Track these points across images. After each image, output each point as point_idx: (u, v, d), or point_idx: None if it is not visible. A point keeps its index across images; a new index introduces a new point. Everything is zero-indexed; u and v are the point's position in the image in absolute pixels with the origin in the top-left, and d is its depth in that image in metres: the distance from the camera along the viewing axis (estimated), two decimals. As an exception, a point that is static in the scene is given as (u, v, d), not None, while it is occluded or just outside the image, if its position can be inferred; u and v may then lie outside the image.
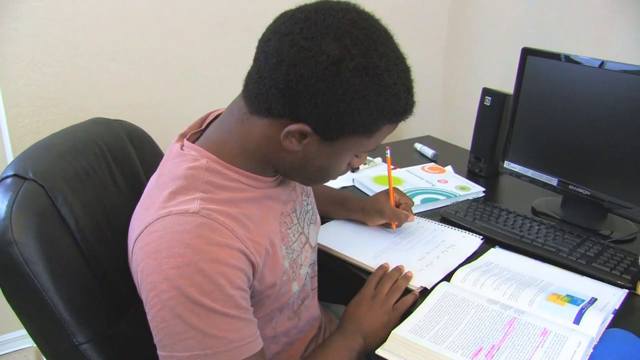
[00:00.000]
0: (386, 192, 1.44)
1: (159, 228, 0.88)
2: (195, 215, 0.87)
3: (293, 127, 0.88)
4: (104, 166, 1.16)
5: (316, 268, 1.25)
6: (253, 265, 0.93)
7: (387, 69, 0.86)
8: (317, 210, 1.27)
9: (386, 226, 1.46)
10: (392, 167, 1.85)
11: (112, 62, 1.77)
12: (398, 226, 1.45)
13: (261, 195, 1.01)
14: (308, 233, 1.16)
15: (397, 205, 1.43)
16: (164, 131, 1.39)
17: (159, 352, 0.88)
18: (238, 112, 0.96)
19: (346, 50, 0.84)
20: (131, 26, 1.77)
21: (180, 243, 0.85)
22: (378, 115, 0.89)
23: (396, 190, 1.45)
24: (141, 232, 0.89)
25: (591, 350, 1.02)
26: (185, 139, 1.00)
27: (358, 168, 1.88)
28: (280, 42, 0.86)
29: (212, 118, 1.05)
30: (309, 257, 1.16)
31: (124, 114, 1.40)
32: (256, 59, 0.91)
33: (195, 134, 1.03)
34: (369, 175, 1.79)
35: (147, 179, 1.03)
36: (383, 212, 1.41)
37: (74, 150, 1.12)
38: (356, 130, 0.90)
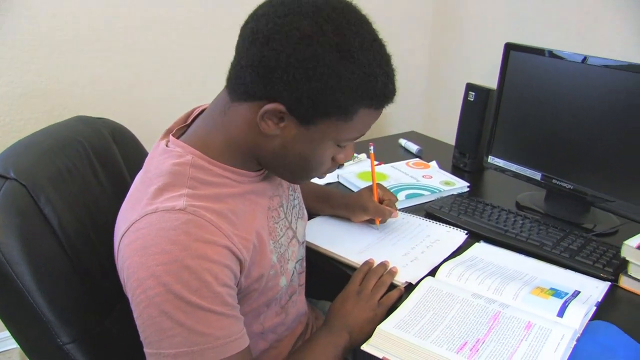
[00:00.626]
0: (370, 189, 1.44)
1: (145, 225, 0.87)
2: (181, 212, 0.87)
3: (268, 106, 0.88)
4: (87, 164, 1.15)
5: (304, 264, 1.25)
6: (240, 261, 0.93)
7: (361, 48, 0.86)
8: (304, 205, 1.27)
9: (370, 222, 1.46)
10: (376, 163, 1.86)
11: (95, 59, 1.76)
12: (382, 222, 1.45)
13: (247, 190, 1.00)
14: (296, 228, 1.16)
15: (381, 202, 1.43)
16: (147, 129, 1.38)
17: (146, 350, 0.88)
18: (221, 103, 0.96)
19: (318, 27, 0.84)
20: (114, 24, 1.76)
21: (167, 240, 0.85)
22: (352, 96, 0.88)
23: (380, 186, 1.45)
24: (127, 229, 0.89)
25: (574, 343, 1.03)
26: (170, 135, 1.00)
27: (343, 164, 1.88)
28: (257, 23, 0.88)
29: (197, 113, 1.05)
30: (297, 252, 1.16)
31: (107, 111, 1.39)
32: (236, 45, 0.92)
33: (181, 130, 1.03)
34: (354, 172, 1.79)
35: (131, 177, 1.03)
36: (367, 208, 1.41)
37: (56, 149, 1.11)
38: (331, 111, 0.89)
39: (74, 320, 1.00)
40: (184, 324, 0.85)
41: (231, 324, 0.90)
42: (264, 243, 1.01)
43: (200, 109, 1.06)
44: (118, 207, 0.99)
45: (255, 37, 0.87)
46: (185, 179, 0.92)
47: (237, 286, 0.95)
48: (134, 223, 0.89)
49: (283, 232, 1.10)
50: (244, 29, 0.90)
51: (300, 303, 1.23)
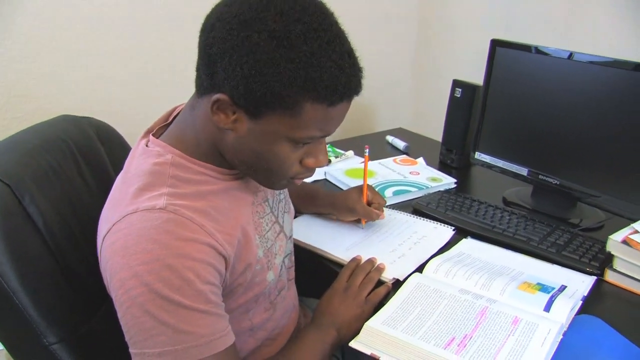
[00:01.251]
0: (359, 189, 1.43)
1: (126, 225, 0.87)
2: (162, 211, 0.87)
3: (214, 97, 0.87)
4: (72, 164, 1.15)
5: (293, 259, 1.24)
6: (225, 258, 0.93)
7: (303, 36, 0.83)
8: (290, 200, 1.26)
9: (357, 221, 1.46)
10: (363, 161, 1.86)
11: (80, 58, 1.75)
12: (368, 222, 1.46)
13: (229, 186, 1.00)
14: (282, 222, 1.16)
15: (370, 204, 1.43)
16: (133, 127, 1.37)
17: (130, 350, 0.87)
18: (192, 99, 0.97)
19: (257, 13, 0.83)
20: (99, 22, 1.74)
21: (148, 239, 0.85)
22: (291, 86, 0.84)
23: (369, 188, 1.45)
24: (109, 230, 0.89)
25: (561, 337, 1.04)
26: (150, 135, 1.00)
27: (330, 161, 1.88)
28: (210, 13, 0.89)
29: (177, 112, 1.05)
30: (284, 247, 1.15)
31: (92, 110, 1.38)
32: None
33: (161, 129, 1.02)
34: (341, 169, 1.79)
35: (116, 175, 1.02)
36: (354, 209, 1.41)
37: (41, 148, 1.10)
38: (272, 102, 0.85)
39: (60, 320, 1.00)
40: (167, 323, 0.84)
41: (215, 321, 0.90)
42: (249, 238, 1.01)
43: (181, 107, 1.06)
44: (103, 206, 0.98)
45: (204, 26, 0.88)
46: (166, 178, 0.92)
47: (222, 283, 0.94)
48: (115, 224, 0.88)
49: (269, 226, 1.09)
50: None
51: (289, 298, 1.22)
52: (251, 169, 0.98)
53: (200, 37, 0.89)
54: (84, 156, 1.18)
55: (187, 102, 1.00)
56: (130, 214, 0.87)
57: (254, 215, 1.05)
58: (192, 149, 0.96)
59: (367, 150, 1.47)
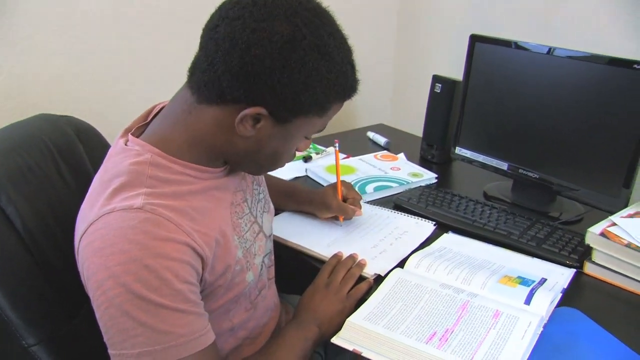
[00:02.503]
0: (334, 186, 1.44)
1: (102, 225, 0.86)
2: (139, 210, 0.86)
3: (249, 110, 0.89)
4: (51, 163, 1.13)
5: (273, 257, 1.24)
6: (202, 258, 0.92)
7: (335, 47, 0.90)
8: (269, 199, 1.26)
9: (335, 218, 1.46)
10: (345, 156, 1.86)
11: (58, 56, 1.73)
12: (346, 219, 1.45)
13: (208, 186, 1.00)
14: (262, 222, 1.16)
15: (345, 200, 1.43)
16: (113, 126, 1.36)
17: (109, 351, 0.87)
18: (184, 102, 0.95)
19: (298, 29, 0.86)
20: (76, 19, 1.73)
21: (125, 239, 0.84)
22: (330, 93, 0.92)
23: (345, 184, 1.46)
24: (85, 231, 0.88)
25: (541, 329, 1.04)
26: (129, 134, 0.99)
27: (311, 157, 1.88)
28: (231, 27, 0.87)
29: (157, 111, 1.04)
30: (264, 246, 1.15)
31: (71, 109, 1.37)
32: (204, 47, 0.91)
33: (140, 128, 1.01)
34: (322, 165, 1.79)
35: (96, 174, 1.01)
36: (329, 206, 1.42)
37: (18, 148, 1.09)
38: (310, 110, 0.92)
39: (39, 322, 0.99)
40: (145, 324, 0.84)
41: (194, 320, 0.89)
42: (227, 239, 1.00)
43: (160, 106, 1.05)
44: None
45: (233, 43, 0.86)
46: (144, 178, 0.91)
47: (200, 282, 0.94)
48: (91, 224, 0.88)
49: (248, 227, 1.09)
50: (214, 32, 0.89)
51: (269, 297, 1.22)
52: (257, 165, 1.03)
53: (226, 51, 0.87)
54: (63, 155, 1.17)
55: (171, 103, 0.99)
56: (107, 213, 0.87)
57: (232, 215, 1.05)
58: (175, 149, 0.95)
59: (336, 145, 1.47)
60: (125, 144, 0.97)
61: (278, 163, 1.03)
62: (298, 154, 1.75)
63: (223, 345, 1.09)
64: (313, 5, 0.90)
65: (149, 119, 1.03)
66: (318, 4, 0.92)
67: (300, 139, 1.01)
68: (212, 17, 0.91)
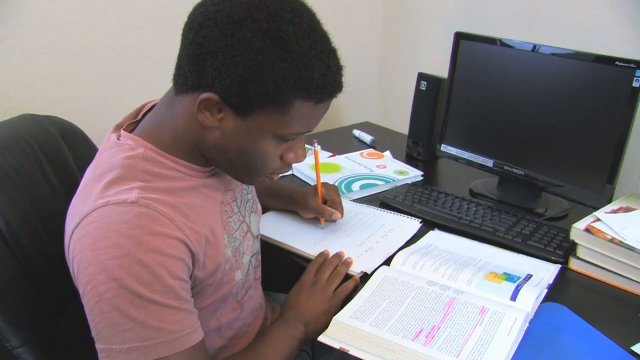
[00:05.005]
0: (316, 187, 1.43)
1: (96, 218, 0.86)
2: (133, 204, 0.86)
3: (203, 95, 0.87)
4: (35, 164, 1.12)
5: (260, 258, 1.24)
6: (193, 254, 0.92)
7: (295, 36, 0.85)
8: (257, 200, 1.26)
9: (317, 219, 1.45)
10: (330, 154, 1.85)
11: (41, 55, 1.71)
12: (326, 221, 1.44)
13: (200, 184, 1.00)
14: (250, 222, 1.16)
15: (325, 201, 1.42)
16: (97, 126, 1.35)
17: (97, 346, 0.86)
18: (168, 97, 0.96)
19: (249, 13, 0.84)
20: (60, 18, 1.71)
21: (118, 233, 0.84)
22: (284, 85, 0.85)
23: (327, 185, 1.45)
24: (78, 224, 0.87)
25: (527, 325, 1.05)
26: (121, 129, 0.98)
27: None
28: (194, 12, 0.88)
29: (147, 108, 1.04)
30: (252, 246, 1.15)
31: (54, 109, 1.36)
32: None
33: (131, 125, 1.01)
34: (308, 164, 1.79)
35: (82, 174, 1.00)
36: (308, 207, 1.41)
37: (1, 149, 1.08)
38: (264, 100, 0.87)
39: (23, 323, 0.98)
40: (136, 319, 0.83)
41: (184, 317, 0.89)
42: (217, 237, 1.00)
43: (151, 104, 1.05)
44: (68, 206, 0.96)
45: (190, 25, 0.87)
46: (137, 172, 0.91)
47: (191, 279, 0.94)
48: (84, 217, 0.87)
49: (237, 226, 1.09)
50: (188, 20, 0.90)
51: (255, 298, 1.22)
52: (233, 166, 0.98)
53: (186, 35, 0.88)
54: (47, 156, 1.16)
55: (160, 99, 0.99)
56: (101, 207, 0.86)
57: (222, 214, 1.04)
58: (165, 144, 0.95)
59: (315, 145, 1.47)
60: (118, 139, 0.96)
61: (254, 168, 0.98)
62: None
63: (210, 344, 1.09)
64: None
65: (140, 116, 1.02)
66: None
67: (270, 140, 0.93)
68: None
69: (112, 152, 0.95)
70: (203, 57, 0.85)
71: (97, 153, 0.99)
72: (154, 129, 0.96)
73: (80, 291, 0.87)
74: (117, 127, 1.00)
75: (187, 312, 0.90)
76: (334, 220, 1.43)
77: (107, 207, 0.86)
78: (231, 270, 1.04)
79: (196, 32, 0.86)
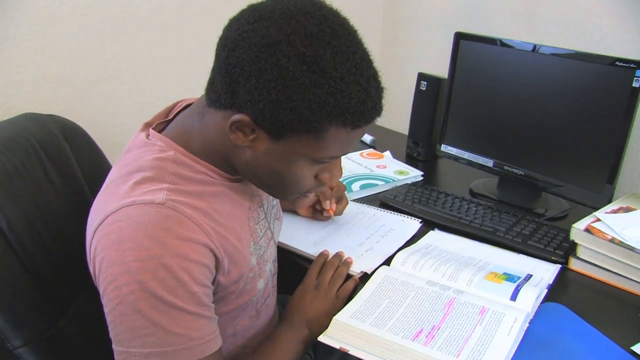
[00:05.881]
0: None
1: (121, 217, 0.84)
2: (161, 206, 0.84)
3: (235, 117, 0.85)
4: (37, 163, 1.12)
5: (277, 265, 1.22)
6: (217, 259, 0.90)
7: (333, 60, 0.81)
8: (280, 206, 1.25)
9: (318, 218, 1.45)
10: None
11: (41, 55, 1.71)
12: (336, 212, 1.42)
13: (228, 189, 0.98)
14: (274, 228, 1.15)
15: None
16: (98, 125, 1.35)
17: (115, 347, 0.85)
18: (200, 104, 0.94)
19: (285, 35, 0.80)
20: (59, 18, 1.71)
21: (145, 235, 0.82)
22: (319, 112, 0.82)
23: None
24: (102, 222, 0.86)
25: (527, 325, 1.05)
26: (151, 129, 0.97)
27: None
28: (229, 28, 0.86)
29: (179, 108, 1.02)
30: (273, 253, 1.14)
31: (54, 109, 1.36)
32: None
33: (161, 124, 1.00)
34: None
35: (84, 174, 1.00)
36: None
37: (3, 148, 1.08)
38: (297, 126, 0.84)
39: (25, 323, 0.98)
40: (158, 324, 0.82)
41: (205, 324, 0.88)
42: (244, 244, 0.99)
43: (184, 103, 1.03)
44: (71, 206, 0.96)
45: (224, 42, 0.85)
46: (167, 175, 0.89)
47: (213, 284, 0.92)
48: (109, 215, 0.85)
49: (263, 233, 1.07)
50: (225, 32, 0.88)
51: (271, 306, 1.20)
52: (264, 184, 0.97)
53: (220, 52, 0.86)
54: (49, 155, 1.16)
55: (194, 103, 0.98)
56: (127, 206, 0.85)
57: (249, 220, 1.03)
58: (196, 149, 0.93)
59: None
60: (147, 138, 0.95)
61: (288, 187, 0.96)
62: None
63: (223, 350, 1.08)
64: (319, 14, 0.84)
65: (170, 116, 1.01)
66: (328, 12, 0.86)
67: (304, 162, 0.91)
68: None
69: (141, 151, 0.93)
70: (236, 78, 0.83)
71: (125, 151, 0.97)
72: (185, 133, 0.95)
73: (101, 290, 0.85)
74: (147, 126, 0.98)
75: (208, 319, 0.89)
76: (342, 209, 1.42)
77: (133, 206, 0.84)
78: (254, 278, 1.03)
79: (230, 50, 0.83)
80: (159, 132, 0.97)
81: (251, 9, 0.86)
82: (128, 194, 0.86)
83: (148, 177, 0.88)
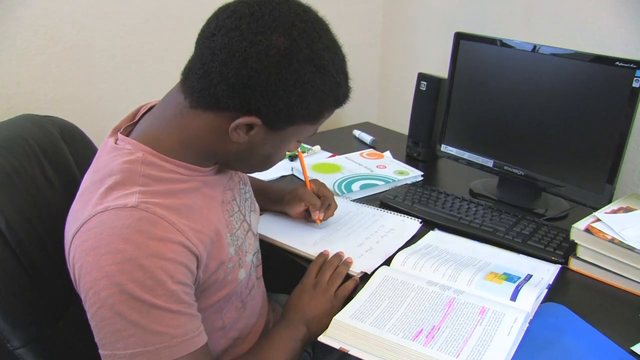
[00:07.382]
0: (304, 184, 1.45)
1: (96, 224, 0.86)
2: (134, 209, 0.86)
3: (243, 119, 0.90)
4: (35, 164, 1.12)
5: (260, 256, 1.24)
6: (197, 257, 0.92)
7: (330, 59, 0.91)
8: (254, 199, 1.26)
9: (311, 222, 1.45)
10: (330, 154, 1.85)
11: (41, 55, 1.71)
12: (323, 220, 1.43)
13: (200, 184, 0.99)
14: (250, 220, 1.16)
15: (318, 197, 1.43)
16: (96, 126, 1.35)
17: (100, 352, 0.86)
18: (176, 105, 0.95)
19: (294, 43, 0.87)
20: (59, 18, 1.71)
21: (120, 238, 0.83)
22: (323, 104, 0.94)
23: (315, 182, 1.46)
24: (78, 230, 0.87)
25: (527, 325, 1.05)
26: (119, 133, 0.98)
27: (297, 156, 1.88)
28: (229, 38, 0.87)
29: (144, 111, 1.03)
30: (253, 245, 1.15)
31: (54, 109, 1.36)
32: (199, 54, 0.91)
33: (128, 128, 1.01)
34: (308, 164, 1.79)
35: (82, 175, 1.00)
36: (302, 196, 1.41)
37: (1, 149, 1.08)
38: (304, 119, 0.94)
39: (24, 324, 0.98)
40: (138, 324, 0.83)
41: (187, 321, 0.89)
42: (221, 236, 1.00)
43: (148, 106, 1.04)
44: (69, 207, 0.96)
45: (230, 54, 0.86)
46: (137, 177, 0.91)
47: (195, 282, 0.94)
48: (84, 223, 0.87)
49: (239, 224, 1.09)
50: (210, 40, 0.88)
51: (258, 297, 1.22)
52: (245, 164, 1.04)
53: (225, 62, 0.87)
54: (48, 156, 1.15)
55: (161, 104, 0.99)
56: (101, 212, 0.86)
57: (224, 213, 1.04)
58: (166, 148, 0.94)
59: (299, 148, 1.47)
60: (115, 143, 0.96)
61: (268, 165, 1.05)
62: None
63: (214, 346, 1.09)
64: (310, 17, 0.91)
65: (137, 118, 1.02)
66: (315, 15, 0.93)
67: (293, 142, 1.02)
68: (209, 24, 0.91)
69: (110, 156, 0.94)
70: (251, 87, 0.87)
71: (95, 158, 0.99)
72: (154, 133, 0.96)
73: (82, 297, 0.87)
74: (115, 131, 1.00)
75: (189, 316, 0.90)
76: (331, 215, 1.43)
77: (107, 212, 0.86)
78: (234, 268, 1.04)
79: (240, 62, 0.86)
80: (127, 135, 0.98)
81: (243, 15, 0.88)
82: (101, 200, 0.88)
83: (119, 181, 0.90)
